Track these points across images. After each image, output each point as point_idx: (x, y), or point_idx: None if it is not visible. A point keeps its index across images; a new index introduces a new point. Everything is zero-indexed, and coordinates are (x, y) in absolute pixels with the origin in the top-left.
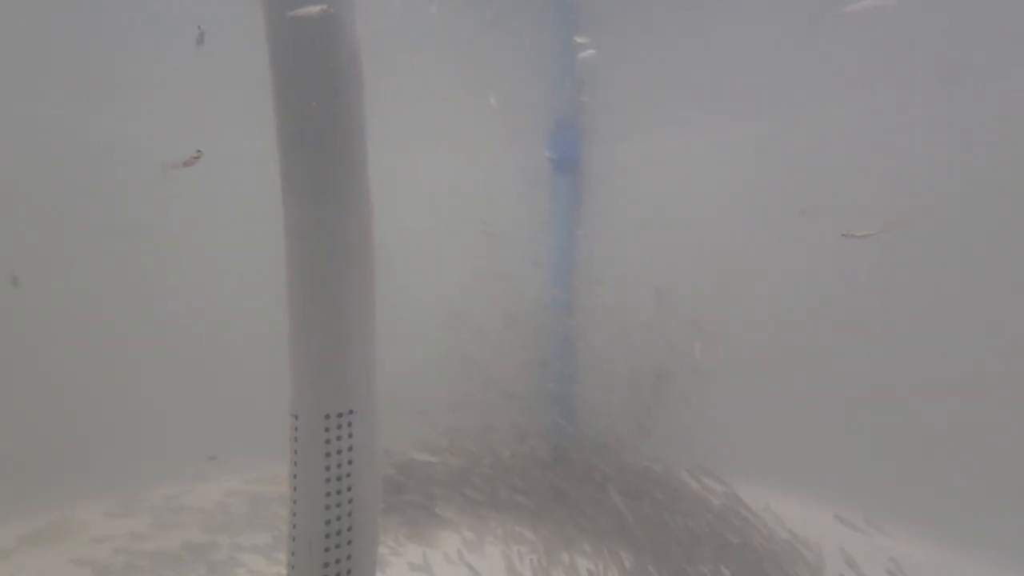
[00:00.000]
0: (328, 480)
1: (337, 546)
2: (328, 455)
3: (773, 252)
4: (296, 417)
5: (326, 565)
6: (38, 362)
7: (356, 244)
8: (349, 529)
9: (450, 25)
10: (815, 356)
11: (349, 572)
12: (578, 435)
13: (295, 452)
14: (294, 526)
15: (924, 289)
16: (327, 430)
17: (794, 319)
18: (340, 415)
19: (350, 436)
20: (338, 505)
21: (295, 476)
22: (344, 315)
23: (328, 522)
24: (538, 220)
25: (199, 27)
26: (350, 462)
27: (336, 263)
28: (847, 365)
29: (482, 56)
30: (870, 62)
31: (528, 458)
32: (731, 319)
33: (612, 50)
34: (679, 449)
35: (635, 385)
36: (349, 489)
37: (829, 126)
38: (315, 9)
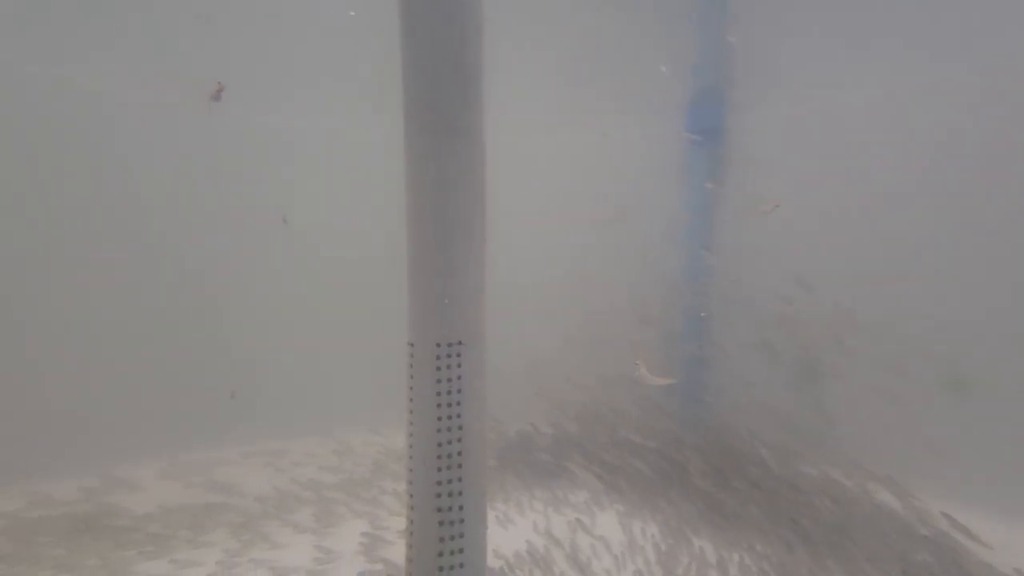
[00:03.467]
0: (439, 405)
1: (448, 467)
2: (439, 382)
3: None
4: (412, 345)
5: (439, 483)
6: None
7: (470, 180)
8: (459, 453)
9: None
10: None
11: (461, 493)
12: (709, 421)
13: (411, 378)
14: (411, 446)
15: None
16: (438, 358)
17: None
18: (450, 344)
19: (459, 366)
20: (448, 429)
21: (411, 400)
22: (455, 250)
23: (440, 444)
24: (672, 197)
25: (219, 83)
26: (459, 390)
27: (450, 198)
28: None
29: (607, 31)
30: None
31: (650, 438)
32: (898, 312)
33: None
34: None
35: (787, 379)
36: (459, 416)
37: None
38: None
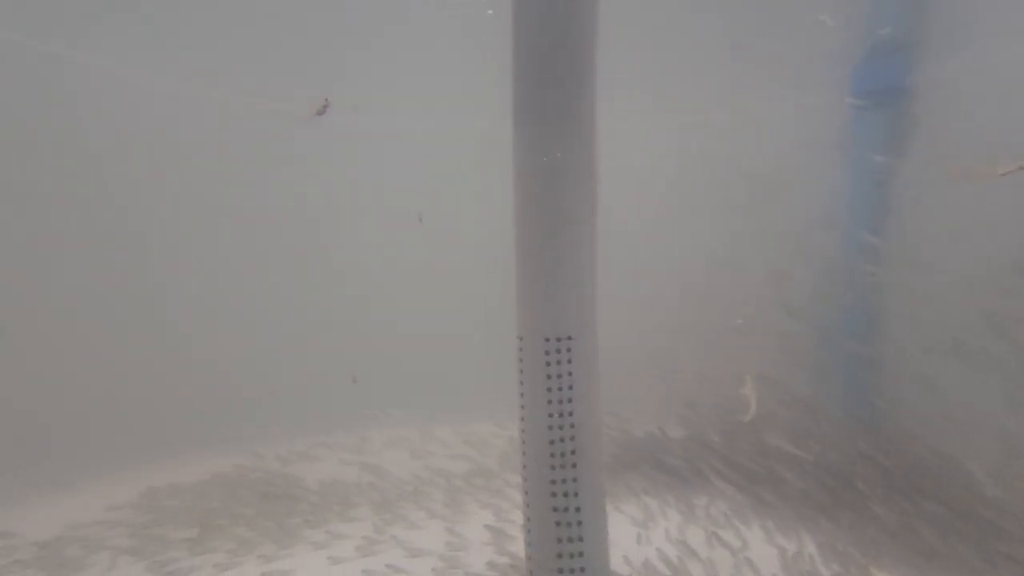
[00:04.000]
0: (550, 401)
1: (562, 465)
2: (549, 377)
3: None
4: (520, 339)
5: (552, 482)
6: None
7: (580, 170)
8: (573, 452)
9: None
10: None
11: (576, 494)
12: (883, 430)
13: (521, 372)
14: (524, 442)
15: None
16: (547, 352)
17: None
18: (559, 339)
19: (569, 361)
20: (560, 427)
21: (522, 395)
22: (565, 242)
23: (552, 442)
24: (830, 173)
25: (326, 99)
26: (570, 386)
27: (559, 189)
28: None
29: None
30: None
31: (804, 446)
32: None
33: None
34: None
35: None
36: (571, 413)
37: None
38: None
